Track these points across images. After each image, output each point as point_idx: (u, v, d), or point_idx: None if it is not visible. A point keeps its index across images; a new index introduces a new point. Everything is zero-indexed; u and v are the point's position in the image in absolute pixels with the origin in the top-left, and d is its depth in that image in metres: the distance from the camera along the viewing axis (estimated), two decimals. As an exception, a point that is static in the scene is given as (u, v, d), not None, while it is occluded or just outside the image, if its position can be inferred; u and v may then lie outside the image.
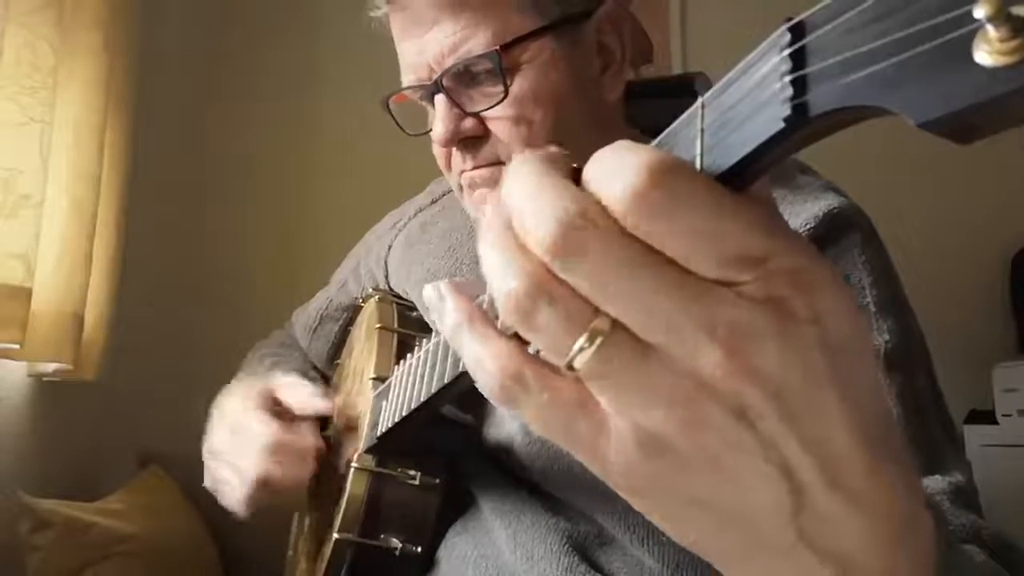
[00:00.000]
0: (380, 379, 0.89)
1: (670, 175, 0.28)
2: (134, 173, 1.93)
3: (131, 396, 2.02)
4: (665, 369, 0.29)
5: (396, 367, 0.86)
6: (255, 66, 2.56)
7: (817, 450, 0.30)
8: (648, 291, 0.29)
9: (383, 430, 0.82)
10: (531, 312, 0.31)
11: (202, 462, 1.03)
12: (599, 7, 0.87)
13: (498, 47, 0.80)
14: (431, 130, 0.86)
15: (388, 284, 1.12)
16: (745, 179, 0.30)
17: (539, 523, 0.80)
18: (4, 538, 1.53)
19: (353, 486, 0.84)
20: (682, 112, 0.33)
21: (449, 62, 0.82)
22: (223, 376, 1.08)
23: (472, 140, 0.84)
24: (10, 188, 1.55)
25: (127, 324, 1.93)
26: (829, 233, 0.78)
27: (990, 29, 0.22)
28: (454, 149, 0.86)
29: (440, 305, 0.36)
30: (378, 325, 0.95)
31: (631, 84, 0.92)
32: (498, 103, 0.82)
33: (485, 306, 0.41)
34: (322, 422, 1.01)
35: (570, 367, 0.31)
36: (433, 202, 1.13)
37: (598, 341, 0.30)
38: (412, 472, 0.85)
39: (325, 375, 1.22)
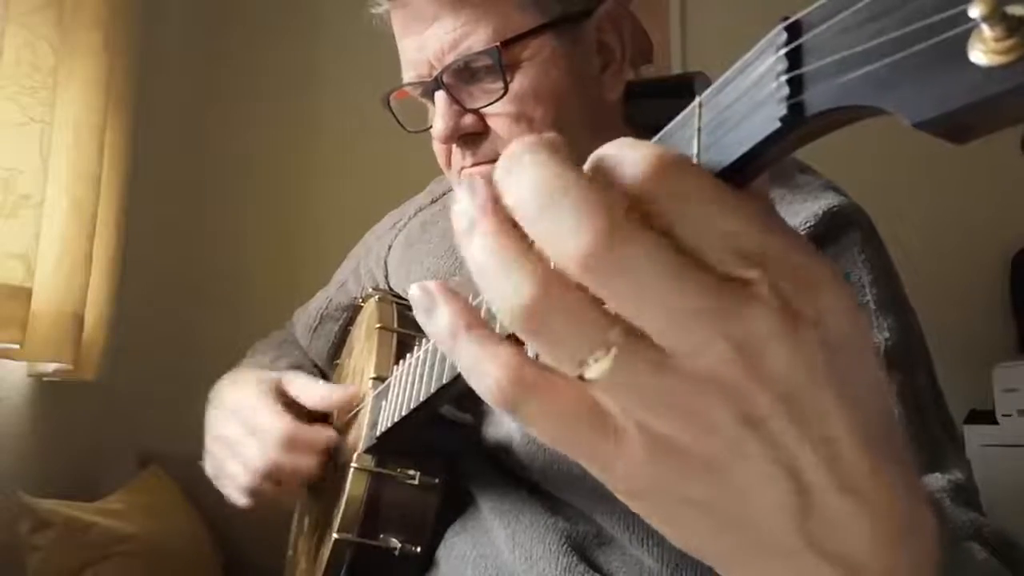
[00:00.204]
0: (379, 379, 0.89)
1: (675, 169, 0.28)
2: (134, 173, 1.93)
3: (131, 396, 2.02)
4: (680, 374, 0.29)
5: (395, 367, 0.86)
6: (255, 66, 2.56)
7: (824, 451, 0.30)
8: (675, 299, 0.28)
9: (382, 430, 0.82)
10: (544, 324, 0.29)
11: (202, 462, 1.02)
12: (599, 6, 0.87)
13: (499, 44, 0.80)
14: (431, 127, 0.86)
15: (388, 284, 1.12)
16: (742, 178, 0.30)
17: (538, 523, 0.80)
18: (4, 538, 1.53)
19: (352, 486, 0.84)
20: (681, 112, 0.33)
21: (449, 58, 0.82)
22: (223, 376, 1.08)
23: (472, 137, 0.85)
24: (10, 188, 1.55)
25: (127, 324, 1.93)
26: (829, 232, 0.78)
27: (985, 28, 0.22)
28: (454, 146, 0.86)
29: (429, 307, 0.34)
30: (378, 325, 0.95)
31: (631, 84, 0.92)
32: (498, 100, 0.82)
33: (481, 310, 0.41)
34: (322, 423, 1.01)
35: (582, 377, 0.30)
36: (433, 201, 1.13)
37: (614, 351, 0.29)
38: (411, 472, 0.85)
39: (325, 374, 1.22)
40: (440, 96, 0.84)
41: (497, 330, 0.33)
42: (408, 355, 0.81)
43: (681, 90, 0.99)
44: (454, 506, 0.88)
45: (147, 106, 2.03)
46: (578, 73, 0.85)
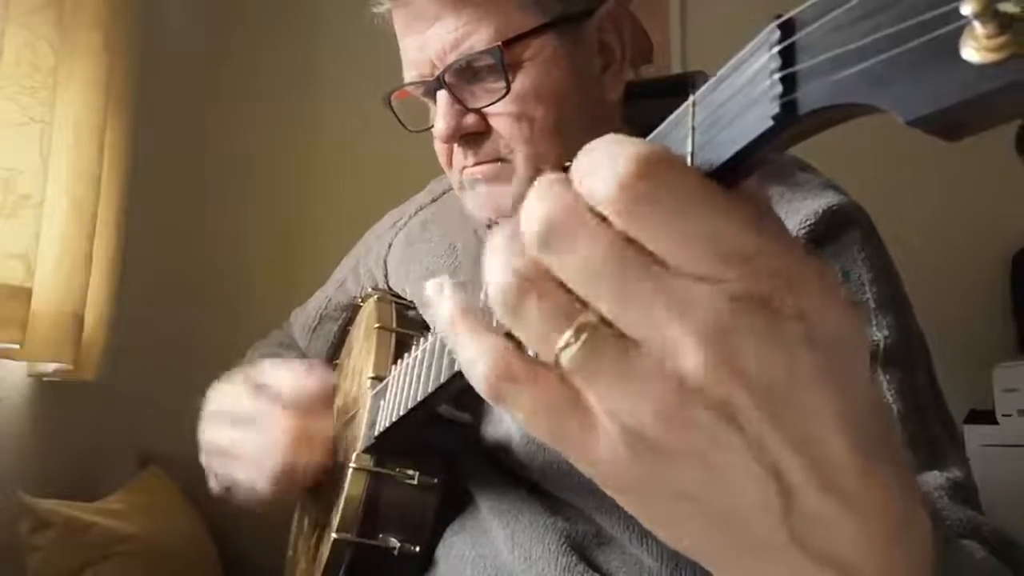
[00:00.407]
0: (378, 378, 0.89)
1: (658, 166, 0.29)
2: (134, 173, 1.93)
3: (131, 396, 2.02)
4: (650, 366, 0.30)
5: (394, 367, 0.86)
6: (255, 66, 2.56)
7: (807, 450, 0.30)
8: (633, 287, 0.29)
9: (381, 429, 0.82)
10: (519, 306, 0.31)
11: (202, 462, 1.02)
12: (600, 6, 0.87)
13: (500, 43, 0.80)
14: (432, 127, 0.86)
15: (387, 283, 1.12)
16: (736, 176, 0.30)
17: (537, 523, 0.80)
18: (4, 538, 1.53)
19: (351, 486, 0.85)
20: None
21: (451, 58, 0.82)
22: (223, 376, 1.08)
23: (473, 136, 0.85)
24: (10, 188, 1.55)
25: (127, 324, 1.93)
26: (829, 230, 0.78)
27: (977, 26, 0.22)
28: (455, 145, 0.86)
29: (436, 299, 0.36)
30: (376, 325, 0.95)
31: (631, 84, 0.92)
32: (500, 99, 0.82)
33: (483, 305, 0.41)
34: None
35: (557, 363, 0.31)
36: (433, 200, 1.14)
37: (583, 336, 0.30)
38: (410, 472, 0.85)
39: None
40: (442, 96, 0.84)
41: (495, 324, 0.34)
42: (406, 355, 0.81)
43: (680, 89, 0.99)
44: (453, 506, 0.88)
45: (147, 106, 2.03)
46: (579, 73, 0.85)
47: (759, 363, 0.29)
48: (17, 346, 1.56)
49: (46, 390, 1.81)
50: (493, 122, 0.84)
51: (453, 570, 0.83)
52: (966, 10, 0.22)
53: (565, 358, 0.31)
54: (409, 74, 0.88)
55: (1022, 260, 2.20)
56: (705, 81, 0.31)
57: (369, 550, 0.84)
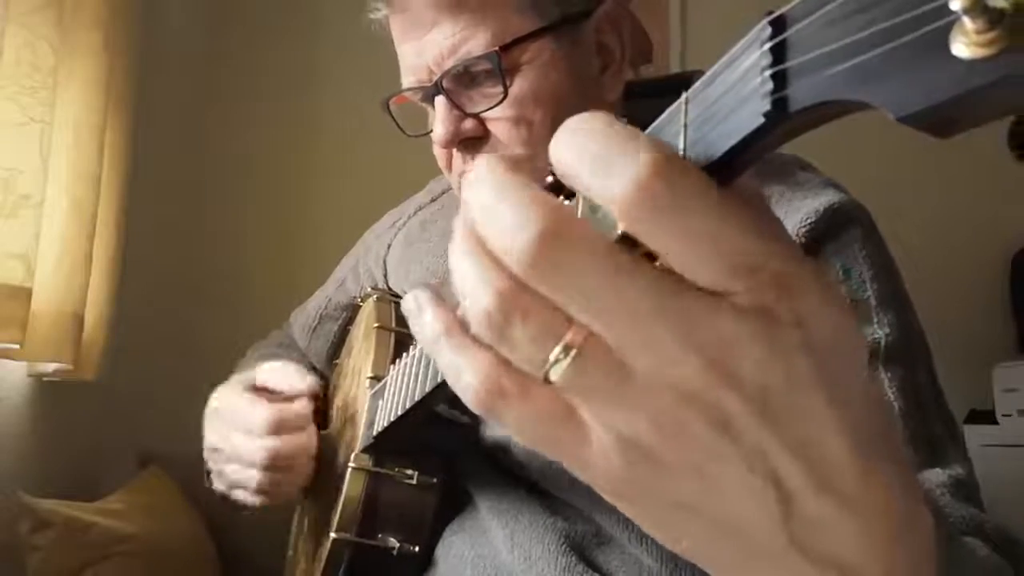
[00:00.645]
0: (377, 378, 0.89)
1: (675, 171, 0.28)
2: (134, 173, 1.93)
3: (131, 396, 2.02)
4: (644, 379, 0.29)
5: (392, 366, 0.86)
6: (255, 66, 2.56)
7: (805, 455, 0.30)
8: (625, 304, 0.28)
9: (379, 429, 0.82)
10: (504, 327, 0.30)
11: (202, 462, 1.02)
12: (598, 7, 0.87)
13: (498, 48, 0.80)
14: (431, 131, 0.86)
15: (387, 283, 1.12)
16: (729, 174, 0.30)
17: (536, 523, 0.80)
18: (4, 538, 1.53)
19: (350, 486, 0.84)
20: None
21: (449, 63, 0.82)
22: (223, 376, 1.08)
23: (472, 141, 0.85)
24: (10, 188, 1.55)
25: (127, 324, 1.93)
26: (830, 228, 0.78)
27: (967, 21, 0.22)
28: (454, 150, 0.86)
29: (417, 313, 0.35)
30: (375, 324, 0.95)
31: (630, 84, 0.92)
32: (498, 104, 0.82)
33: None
34: (322, 422, 1.01)
35: (546, 379, 0.30)
36: (433, 200, 1.14)
37: (572, 353, 0.29)
38: (409, 471, 0.85)
39: (324, 375, 1.22)
40: (440, 101, 0.84)
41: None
42: (405, 354, 0.81)
43: (679, 89, 0.99)
44: (452, 505, 0.88)
45: (147, 106, 2.03)
46: (578, 75, 0.85)
47: (756, 372, 0.28)
48: (17, 346, 1.56)
49: (46, 390, 1.81)
50: (491, 127, 0.84)
51: (452, 570, 0.83)
52: (955, 5, 0.22)
53: (555, 375, 0.30)
54: (407, 80, 0.88)
55: (1022, 260, 2.21)
56: (704, 80, 0.31)
57: (368, 550, 0.84)
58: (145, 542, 1.65)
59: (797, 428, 0.29)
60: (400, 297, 1.05)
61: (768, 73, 0.27)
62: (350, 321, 1.19)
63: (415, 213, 1.14)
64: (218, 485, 0.98)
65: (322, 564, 0.85)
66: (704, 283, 0.28)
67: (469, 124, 0.84)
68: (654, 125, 0.33)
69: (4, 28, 1.53)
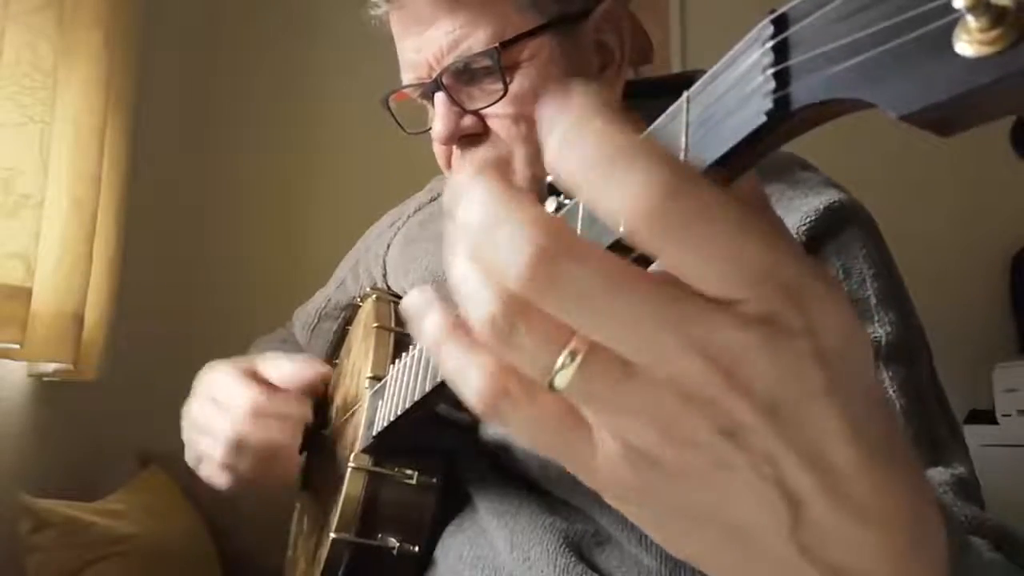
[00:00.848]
0: (376, 378, 0.89)
1: (682, 185, 0.27)
2: (134, 173, 1.93)
3: (131, 396, 2.01)
4: (651, 387, 0.29)
5: (392, 366, 0.86)
6: (255, 66, 2.56)
7: (815, 464, 0.30)
8: (631, 314, 0.28)
9: (379, 429, 0.82)
10: (508, 334, 0.30)
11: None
12: (598, 6, 0.87)
13: (498, 44, 0.80)
14: (430, 128, 0.86)
15: (386, 283, 1.12)
16: (731, 173, 0.30)
17: (535, 523, 0.80)
18: (4, 538, 1.53)
19: (350, 486, 0.84)
20: None
21: (448, 60, 0.82)
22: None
23: (472, 138, 0.85)
24: (10, 188, 1.55)
25: (127, 324, 1.93)
26: (830, 227, 0.78)
27: (970, 19, 0.21)
28: (454, 147, 0.86)
29: (420, 314, 0.34)
30: (375, 324, 0.95)
31: (630, 83, 0.92)
32: (497, 101, 0.82)
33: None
34: (321, 421, 1.01)
35: (551, 386, 0.30)
36: (433, 200, 1.14)
37: (578, 360, 0.29)
38: (409, 472, 0.85)
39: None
40: (440, 98, 0.84)
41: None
42: (404, 354, 0.81)
43: (680, 88, 0.99)
44: (452, 505, 0.87)
45: (147, 106, 2.03)
46: (577, 73, 0.85)
47: (767, 382, 0.28)
48: (17, 346, 1.56)
49: (46, 390, 1.81)
50: (491, 124, 0.84)
51: (452, 570, 0.83)
52: (959, 3, 0.22)
53: (560, 382, 0.29)
54: (407, 76, 0.88)
55: (1022, 260, 2.21)
56: (705, 79, 0.31)
57: (368, 550, 0.84)
58: (145, 542, 1.65)
59: (807, 437, 0.29)
60: (399, 297, 1.05)
61: (770, 72, 0.27)
62: (349, 321, 1.19)
63: (415, 213, 1.14)
64: (188, 458, 0.97)
65: (321, 564, 0.85)
66: (713, 293, 0.28)
67: (469, 121, 0.84)
68: (655, 124, 0.33)
69: (4, 28, 1.53)
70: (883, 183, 1.91)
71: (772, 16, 0.27)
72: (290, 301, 1.35)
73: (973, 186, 2.21)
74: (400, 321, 0.98)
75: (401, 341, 0.94)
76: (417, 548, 0.84)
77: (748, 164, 0.30)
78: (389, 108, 0.92)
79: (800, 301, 0.28)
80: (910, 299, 0.81)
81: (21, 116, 1.57)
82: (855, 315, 0.30)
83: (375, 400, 0.86)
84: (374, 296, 1.04)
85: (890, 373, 0.73)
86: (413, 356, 0.77)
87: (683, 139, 0.30)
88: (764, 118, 0.27)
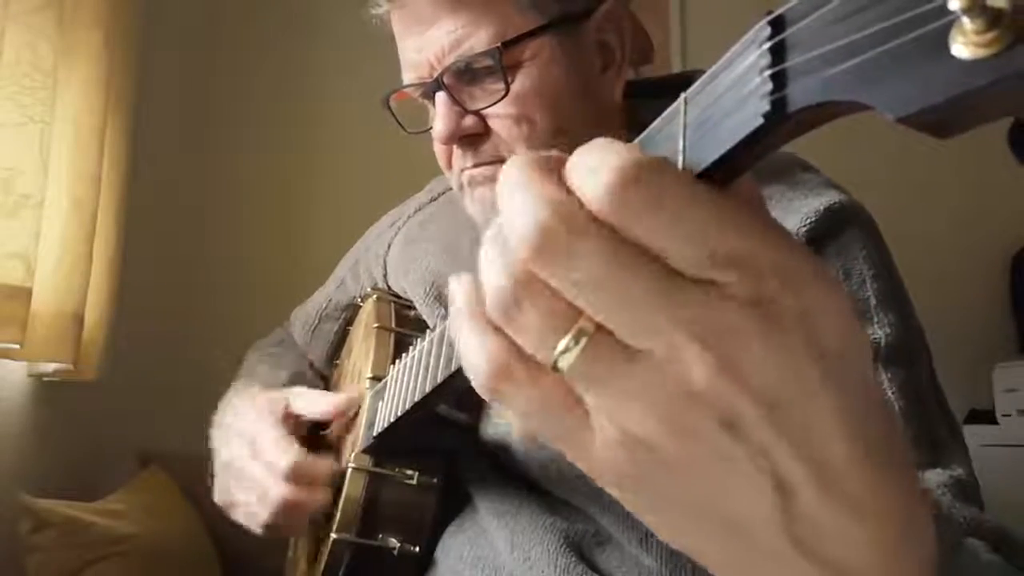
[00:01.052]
0: (377, 379, 0.89)
1: (645, 172, 0.28)
2: (134, 173, 1.93)
3: (131, 396, 2.02)
4: (651, 373, 0.29)
5: (392, 366, 0.86)
6: (255, 66, 2.56)
7: (810, 456, 0.30)
8: (631, 294, 0.29)
9: (379, 430, 0.82)
10: (515, 310, 0.31)
11: (202, 462, 1.02)
12: (599, 6, 0.87)
13: (499, 44, 0.80)
14: (431, 128, 0.86)
15: (387, 283, 1.12)
16: (729, 174, 0.30)
17: (536, 523, 0.80)
18: (4, 538, 1.53)
19: (350, 486, 0.84)
20: None
21: (450, 59, 0.83)
22: (223, 376, 1.08)
23: (473, 138, 0.85)
24: (10, 188, 1.55)
25: (127, 324, 1.93)
26: (830, 229, 0.79)
27: (966, 21, 0.22)
28: (455, 147, 0.86)
29: (453, 295, 0.35)
30: (375, 324, 0.95)
31: (631, 83, 0.92)
32: (499, 101, 0.82)
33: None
34: (323, 424, 1.01)
35: (555, 367, 0.31)
36: (433, 200, 1.14)
37: (583, 342, 0.30)
38: (409, 472, 0.85)
39: (323, 375, 1.22)
40: (441, 97, 0.84)
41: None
42: (405, 355, 0.81)
43: (680, 89, 0.99)
44: (452, 506, 0.87)
45: (147, 106, 2.03)
46: (578, 73, 0.85)
47: (764, 371, 0.29)
48: (17, 346, 1.56)
49: (46, 390, 1.81)
50: (492, 123, 0.84)
51: (452, 570, 0.83)
52: (954, 5, 0.22)
53: (564, 363, 0.30)
54: (408, 76, 0.88)
55: (1022, 260, 2.21)
56: (705, 80, 0.31)
57: (369, 550, 0.84)
58: (145, 542, 1.65)
59: (802, 431, 0.29)
60: (400, 297, 1.05)
61: (768, 73, 0.27)
62: (350, 321, 1.19)
63: (415, 213, 1.14)
64: (219, 498, 0.97)
65: (322, 565, 0.85)
66: (692, 274, 0.28)
67: (470, 121, 0.84)
68: (653, 126, 0.33)
69: (4, 28, 1.52)
70: (883, 184, 1.91)
71: (769, 18, 0.27)
72: (290, 301, 1.35)
73: (973, 187, 2.21)
74: (401, 321, 0.98)
75: (402, 341, 0.94)
76: (418, 548, 0.84)
77: (746, 166, 0.30)
78: (390, 108, 0.92)
79: (795, 288, 0.29)
80: (910, 300, 0.81)
81: (21, 116, 1.57)
82: (853, 310, 0.31)
83: (375, 401, 0.86)
84: (375, 296, 1.04)
85: (889, 375, 0.73)
86: (413, 357, 0.77)
87: (681, 141, 0.30)
88: (761, 120, 0.27)
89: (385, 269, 1.12)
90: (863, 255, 0.78)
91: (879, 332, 0.75)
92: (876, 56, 0.24)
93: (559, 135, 0.83)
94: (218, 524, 1.83)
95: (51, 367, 1.71)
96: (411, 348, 0.79)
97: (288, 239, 2.51)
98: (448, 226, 1.04)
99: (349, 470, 0.85)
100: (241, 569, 1.84)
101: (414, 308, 1.02)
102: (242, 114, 2.53)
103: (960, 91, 0.22)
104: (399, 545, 0.84)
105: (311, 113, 2.57)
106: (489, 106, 0.83)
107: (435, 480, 0.86)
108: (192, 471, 1.04)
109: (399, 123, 0.92)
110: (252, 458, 0.91)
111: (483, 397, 0.33)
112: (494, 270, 0.31)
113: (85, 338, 1.71)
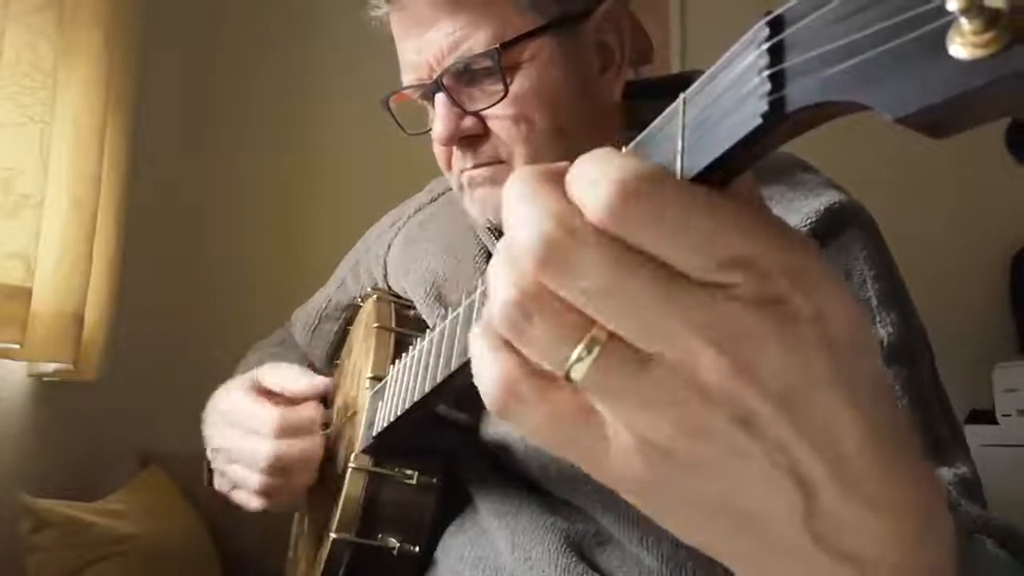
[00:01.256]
0: (377, 378, 0.89)
1: (645, 185, 0.28)
2: (134, 173, 1.93)
3: (131, 396, 2.02)
4: (665, 378, 0.29)
5: (392, 366, 0.86)
6: (255, 66, 2.56)
7: (827, 452, 0.30)
8: (639, 300, 0.29)
9: (379, 430, 0.82)
10: (525, 323, 0.31)
11: (202, 462, 1.02)
12: (598, 6, 0.87)
13: (498, 45, 0.80)
14: (431, 129, 0.86)
15: (387, 283, 1.12)
16: (728, 174, 0.30)
17: (536, 523, 0.80)
18: (4, 538, 1.53)
19: (350, 486, 0.84)
20: None
21: (449, 61, 0.83)
22: (223, 376, 1.08)
23: (472, 139, 0.85)
24: (10, 188, 1.55)
25: (127, 324, 1.93)
26: (831, 229, 0.79)
27: (964, 22, 0.22)
28: (454, 148, 0.86)
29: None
30: (375, 324, 0.95)
31: (630, 83, 0.92)
32: (498, 102, 0.82)
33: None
34: (323, 422, 1.01)
35: (568, 378, 0.30)
36: (433, 200, 1.14)
37: (595, 351, 0.30)
38: (409, 472, 0.85)
39: (323, 375, 1.22)
40: (440, 98, 0.84)
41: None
42: (404, 355, 0.81)
43: (679, 89, 0.99)
44: (453, 506, 0.88)
45: (147, 106, 2.03)
46: (578, 74, 0.85)
47: (777, 367, 0.29)
48: (17, 346, 1.56)
49: (46, 390, 1.81)
50: (491, 124, 0.84)
51: (453, 571, 0.83)
52: (952, 6, 0.22)
53: (576, 374, 0.30)
54: (407, 77, 0.88)
55: (1022, 260, 2.21)
56: (704, 80, 0.31)
57: (368, 550, 0.84)
58: (145, 542, 1.65)
59: (818, 427, 0.30)
60: (400, 297, 1.05)
61: (766, 73, 0.27)
62: (350, 321, 1.19)
63: (415, 213, 1.14)
64: (220, 485, 0.98)
65: (322, 565, 0.85)
66: (698, 278, 0.28)
67: (469, 122, 0.84)
68: (652, 126, 0.33)
69: (4, 28, 1.52)
70: (883, 184, 1.91)
71: (768, 18, 0.27)
72: (290, 301, 1.35)
73: (973, 187, 2.21)
74: (401, 321, 0.98)
75: (402, 341, 0.94)
76: (417, 548, 0.85)
77: (745, 166, 0.30)
78: (389, 109, 0.92)
79: (804, 286, 0.29)
80: (911, 300, 0.81)
81: (21, 116, 1.57)
82: (856, 301, 0.31)
83: (375, 400, 0.86)
84: (375, 296, 1.04)
85: (891, 374, 0.73)
86: (413, 356, 0.77)
87: (679, 141, 0.30)
88: (760, 120, 0.27)
89: (385, 269, 1.12)
90: (864, 255, 0.78)
91: (881, 332, 0.75)
92: (874, 56, 0.24)
93: (558, 135, 0.83)
94: (218, 524, 1.83)
95: (51, 367, 1.71)
96: (411, 348, 0.79)
97: (288, 239, 2.51)
98: (448, 226, 1.04)
99: (349, 470, 0.85)
100: (241, 569, 1.85)
101: (414, 308, 1.02)
102: (242, 114, 2.53)
103: (958, 91, 0.22)
104: (399, 545, 0.84)
105: (311, 113, 2.57)
106: (488, 107, 0.83)
107: (435, 480, 0.86)
108: (192, 471, 1.04)
109: (399, 124, 0.92)
110: (233, 429, 0.93)
111: (496, 416, 0.33)
112: (502, 284, 0.31)
113: (85, 338, 1.71)
